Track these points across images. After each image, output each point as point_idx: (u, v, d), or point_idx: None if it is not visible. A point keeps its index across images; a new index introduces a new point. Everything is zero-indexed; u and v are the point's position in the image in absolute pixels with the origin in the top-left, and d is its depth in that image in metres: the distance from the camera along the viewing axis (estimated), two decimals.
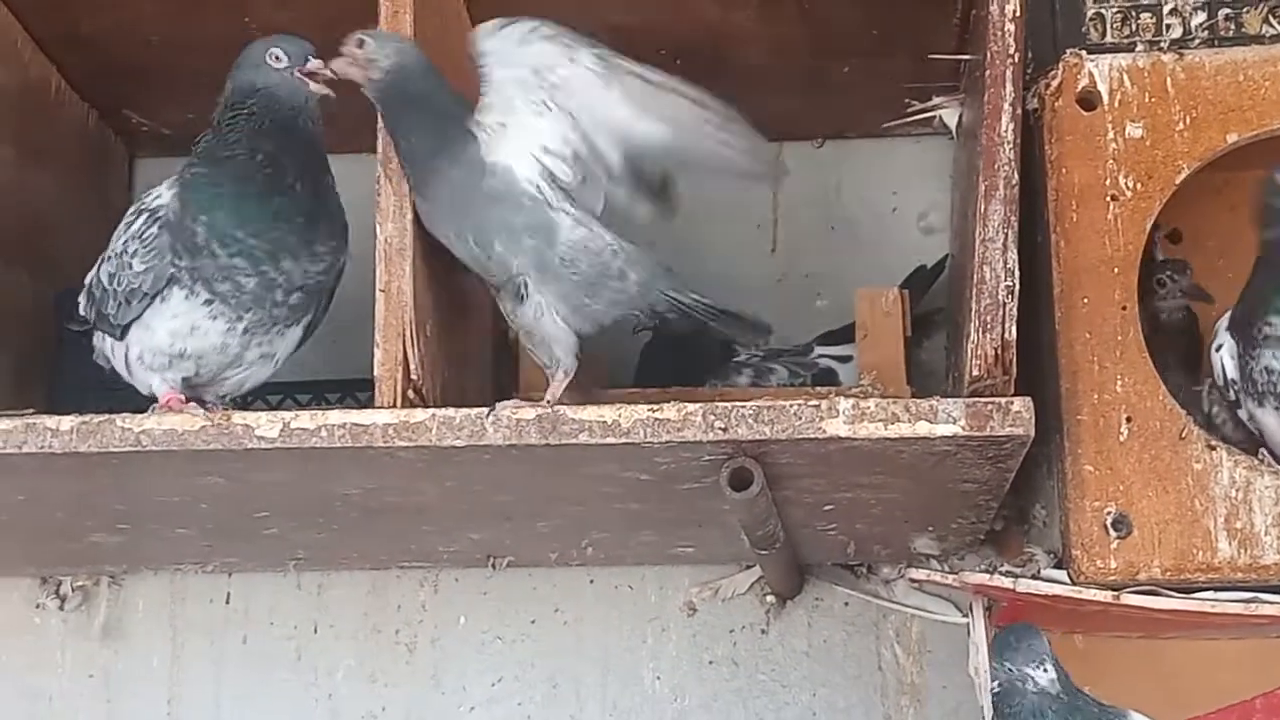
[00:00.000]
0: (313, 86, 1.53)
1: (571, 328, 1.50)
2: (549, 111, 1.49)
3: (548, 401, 1.46)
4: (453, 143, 1.49)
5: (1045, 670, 1.41)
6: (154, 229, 1.52)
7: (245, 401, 1.70)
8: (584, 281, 1.49)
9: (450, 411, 1.41)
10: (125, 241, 1.54)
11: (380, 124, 1.51)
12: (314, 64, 1.53)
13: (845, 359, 1.84)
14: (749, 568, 1.86)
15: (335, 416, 1.42)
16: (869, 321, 1.74)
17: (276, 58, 1.54)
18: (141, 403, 1.55)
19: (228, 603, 1.92)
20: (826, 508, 1.60)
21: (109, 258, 1.56)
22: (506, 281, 1.50)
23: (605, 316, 1.52)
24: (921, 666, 1.84)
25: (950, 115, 1.78)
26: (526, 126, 1.49)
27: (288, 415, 1.42)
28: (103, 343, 1.60)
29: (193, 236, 1.50)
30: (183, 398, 1.53)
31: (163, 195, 1.54)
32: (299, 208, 1.52)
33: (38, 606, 1.92)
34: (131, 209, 1.56)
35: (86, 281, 1.60)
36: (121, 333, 1.56)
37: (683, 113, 1.50)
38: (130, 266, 1.53)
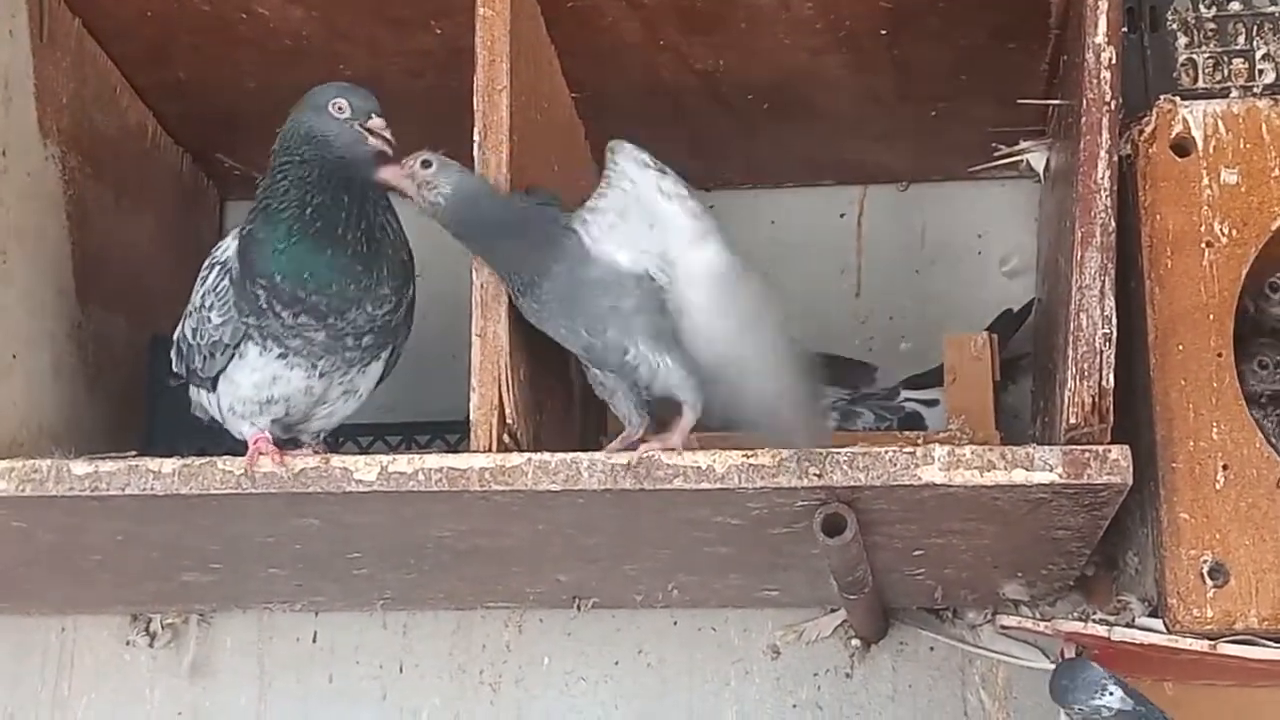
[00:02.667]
0: (371, 140, 1.52)
1: (690, 372, 1.49)
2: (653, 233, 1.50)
3: (679, 436, 1.46)
4: (554, 246, 1.49)
5: (1112, 693, 1.41)
6: (225, 282, 1.53)
7: (336, 443, 1.72)
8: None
9: (546, 456, 1.43)
10: (203, 295, 1.56)
11: (476, 169, 1.52)
12: (377, 122, 1.52)
13: (931, 403, 1.83)
14: (833, 611, 1.85)
15: (432, 461, 1.43)
16: (958, 365, 1.73)
17: (339, 108, 1.53)
18: (236, 445, 1.57)
19: (314, 641, 1.94)
20: (916, 553, 1.60)
21: (190, 312, 1.58)
22: (620, 365, 1.51)
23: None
24: (1008, 713, 1.83)
25: (1037, 159, 1.78)
26: (635, 234, 1.50)
27: (385, 459, 1.43)
28: (199, 395, 1.63)
29: (255, 300, 1.50)
30: (269, 437, 1.53)
31: (229, 248, 1.55)
32: (356, 256, 1.51)
33: (128, 644, 1.95)
34: (207, 261, 1.58)
35: (175, 337, 1.62)
36: (212, 384, 1.58)
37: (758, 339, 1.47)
38: (209, 320, 1.54)
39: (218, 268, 1.55)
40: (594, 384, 1.58)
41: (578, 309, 1.49)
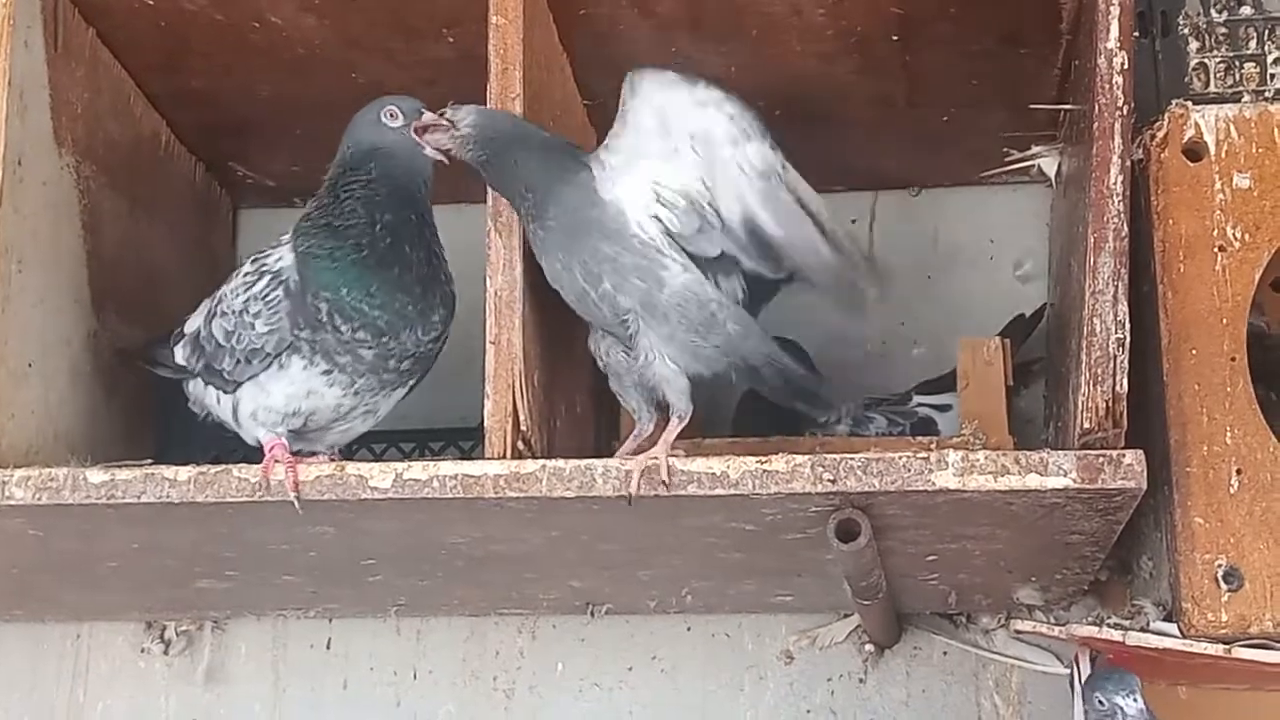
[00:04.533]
0: (428, 150, 1.54)
1: (682, 369, 1.50)
2: (683, 155, 1.50)
3: (662, 447, 1.45)
4: (567, 172, 1.50)
5: (1135, 700, 1.43)
6: (278, 293, 1.54)
7: (350, 450, 1.72)
8: (691, 326, 1.50)
9: (560, 463, 1.43)
10: (247, 301, 1.55)
11: (488, 190, 1.53)
12: (427, 116, 1.54)
13: (944, 408, 1.83)
14: (847, 616, 1.85)
15: (447, 468, 1.43)
16: (970, 370, 1.73)
17: (392, 114, 1.56)
18: (251, 452, 1.57)
19: (329, 648, 1.94)
20: (930, 558, 1.60)
21: (226, 314, 1.57)
22: (616, 323, 1.50)
23: (714, 362, 1.52)
24: (1022, 717, 1.83)
25: (1049, 164, 1.78)
26: (650, 170, 1.50)
27: (400, 466, 1.44)
28: (203, 392, 1.63)
29: (315, 314, 1.51)
30: (285, 444, 1.54)
31: (284, 259, 1.55)
32: (417, 277, 1.53)
33: (143, 651, 1.96)
34: (250, 266, 1.58)
35: (188, 331, 1.62)
36: (235, 387, 1.58)
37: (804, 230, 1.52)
38: (253, 327, 1.54)
39: (269, 276, 1.55)
40: (609, 374, 1.57)
41: (577, 246, 1.49)
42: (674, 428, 1.49)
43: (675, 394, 1.50)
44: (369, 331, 1.51)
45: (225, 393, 1.59)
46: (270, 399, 1.56)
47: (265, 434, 1.56)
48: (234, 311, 1.56)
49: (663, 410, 1.55)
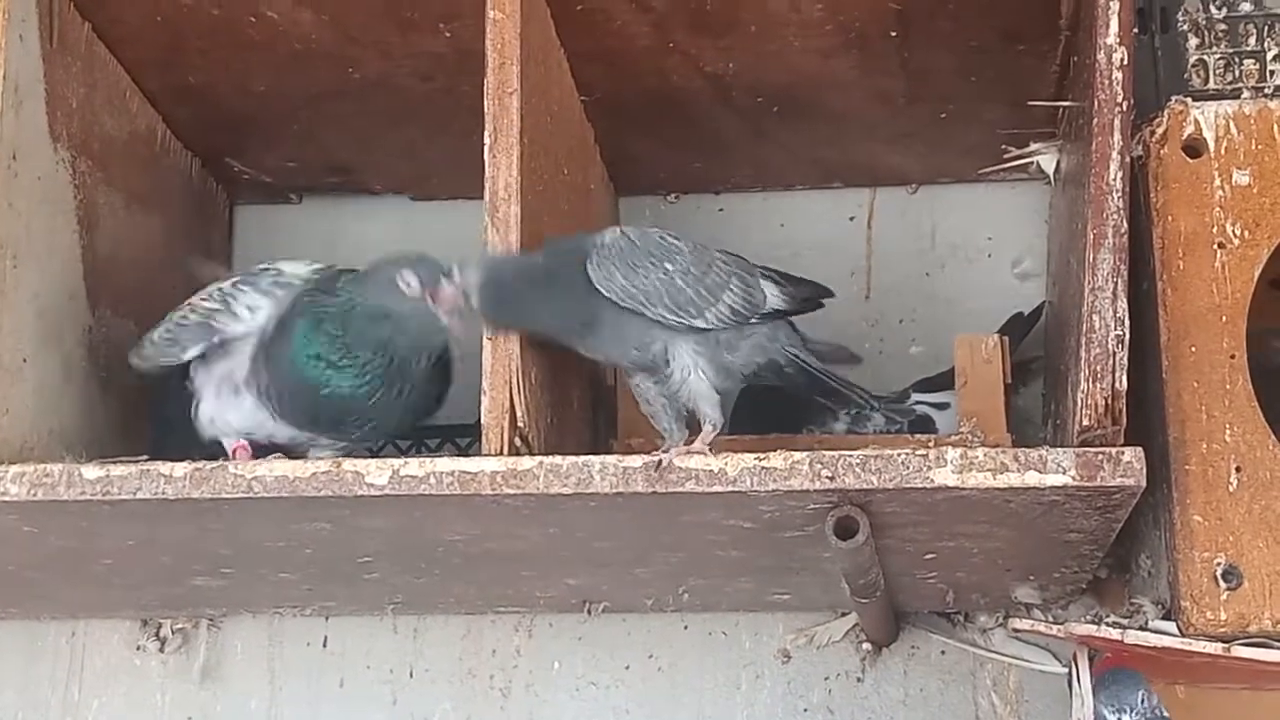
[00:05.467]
0: (445, 320, 1.50)
1: (715, 385, 1.52)
2: None
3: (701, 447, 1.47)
4: (576, 278, 1.50)
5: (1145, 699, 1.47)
6: (272, 285, 1.58)
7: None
8: (724, 343, 1.53)
9: (558, 459, 1.42)
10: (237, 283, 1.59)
11: (487, 172, 1.52)
12: (446, 293, 1.49)
13: (942, 406, 1.83)
14: (844, 615, 1.85)
15: (444, 464, 1.42)
16: (969, 368, 1.73)
17: (407, 284, 1.51)
18: None
19: (325, 646, 1.94)
20: (928, 556, 1.60)
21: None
22: (650, 362, 1.52)
23: (744, 369, 1.56)
24: (1020, 717, 1.82)
25: (1048, 161, 1.78)
26: None
27: (397, 463, 1.43)
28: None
29: (266, 391, 1.56)
30: (248, 446, 1.58)
31: (300, 271, 1.60)
32: (382, 414, 1.56)
33: (138, 648, 1.95)
34: (253, 270, 1.61)
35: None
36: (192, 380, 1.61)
37: None
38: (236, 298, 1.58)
39: (273, 272, 1.59)
40: (638, 399, 1.59)
41: (626, 333, 1.51)
42: (709, 433, 1.50)
43: (709, 406, 1.52)
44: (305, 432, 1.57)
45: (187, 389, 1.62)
46: (227, 414, 1.59)
47: (226, 440, 1.60)
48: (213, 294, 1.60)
49: (692, 427, 1.56)
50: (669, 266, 1.51)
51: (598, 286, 1.49)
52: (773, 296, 1.58)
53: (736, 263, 1.59)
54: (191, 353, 1.58)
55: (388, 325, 1.52)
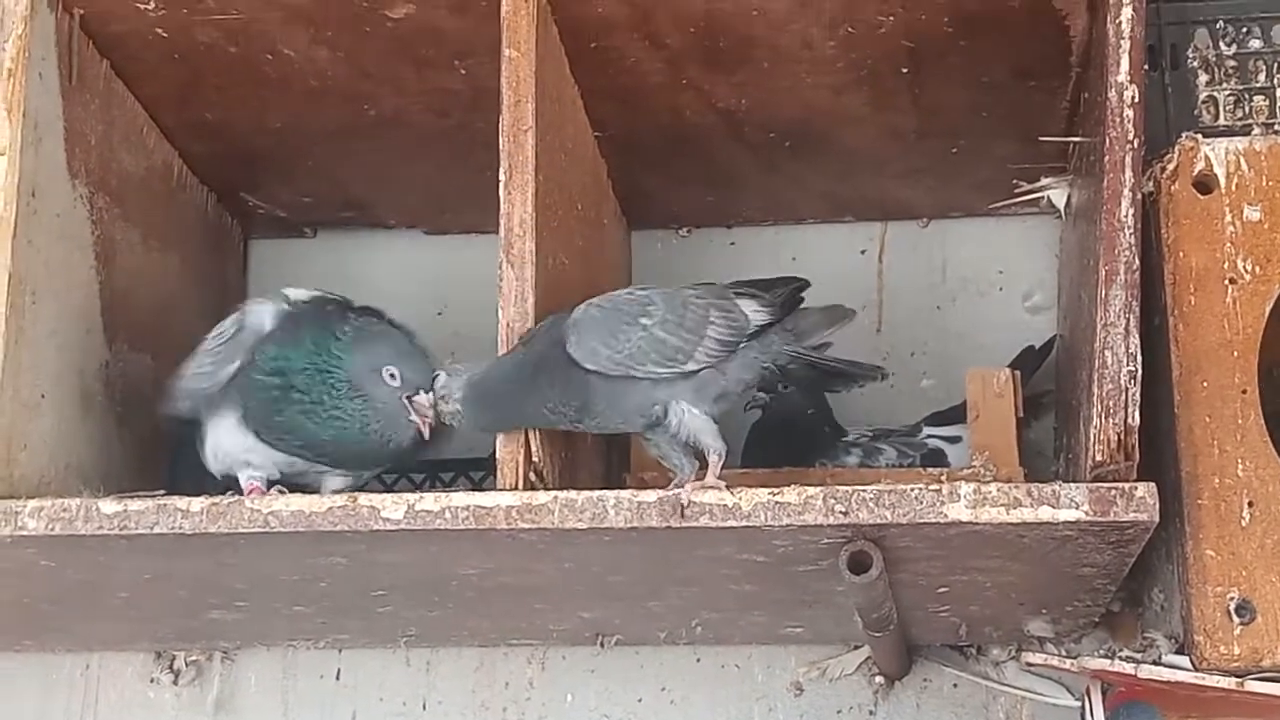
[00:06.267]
0: (413, 416, 1.53)
1: (711, 415, 1.52)
2: None
3: (713, 479, 1.47)
4: (559, 364, 1.49)
5: None
6: (231, 330, 1.59)
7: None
8: (716, 371, 1.53)
9: (572, 494, 1.43)
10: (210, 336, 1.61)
11: (502, 208, 1.53)
12: (421, 401, 1.52)
13: (954, 439, 1.83)
14: (857, 648, 1.85)
15: (459, 499, 1.43)
16: (980, 402, 1.73)
17: (392, 375, 1.54)
18: None
19: (338, 678, 1.94)
20: (941, 590, 1.60)
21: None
22: (655, 421, 1.52)
23: (735, 388, 1.56)
24: None
25: (1059, 196, 1.79)
26: None
27: (412, 497, 1.44)
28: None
29: (245, 417, 1.57)
30: (262, 488, 1.58)
31: (266, 318, 1.60)
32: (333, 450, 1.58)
33: (152, 681, 1.95)
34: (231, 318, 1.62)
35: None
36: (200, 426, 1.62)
37: None
38: (204, 364, 1.60)
39: (238, 316, 1.60)
40: (645, 445, 1.59)
41: (622, 405, 1.51)
42: (716, 464, 1.50)
43: (709, 436, 1.51)
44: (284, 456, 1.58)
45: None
46: (221, 441, 1.60)
47: (242, 477, 1.60)
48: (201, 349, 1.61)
49: (700, 456, 1.56)
50: (646, 322, 1.51)
51: (583, 364, 1.49)
52: (754, 314, 1.57)
53: (710, 292, 1.58)
54: (227, 370, 1.58)
55: (361, 403, 1.55)
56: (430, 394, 1.52)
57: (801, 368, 1.61)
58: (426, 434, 1.53)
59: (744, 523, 1.40)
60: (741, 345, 1.55)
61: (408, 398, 1.53)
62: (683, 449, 1.54)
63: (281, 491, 1.56)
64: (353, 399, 1.55)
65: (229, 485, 1.62)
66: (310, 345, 1.56)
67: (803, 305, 1.64)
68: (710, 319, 1.54)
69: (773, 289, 1.61)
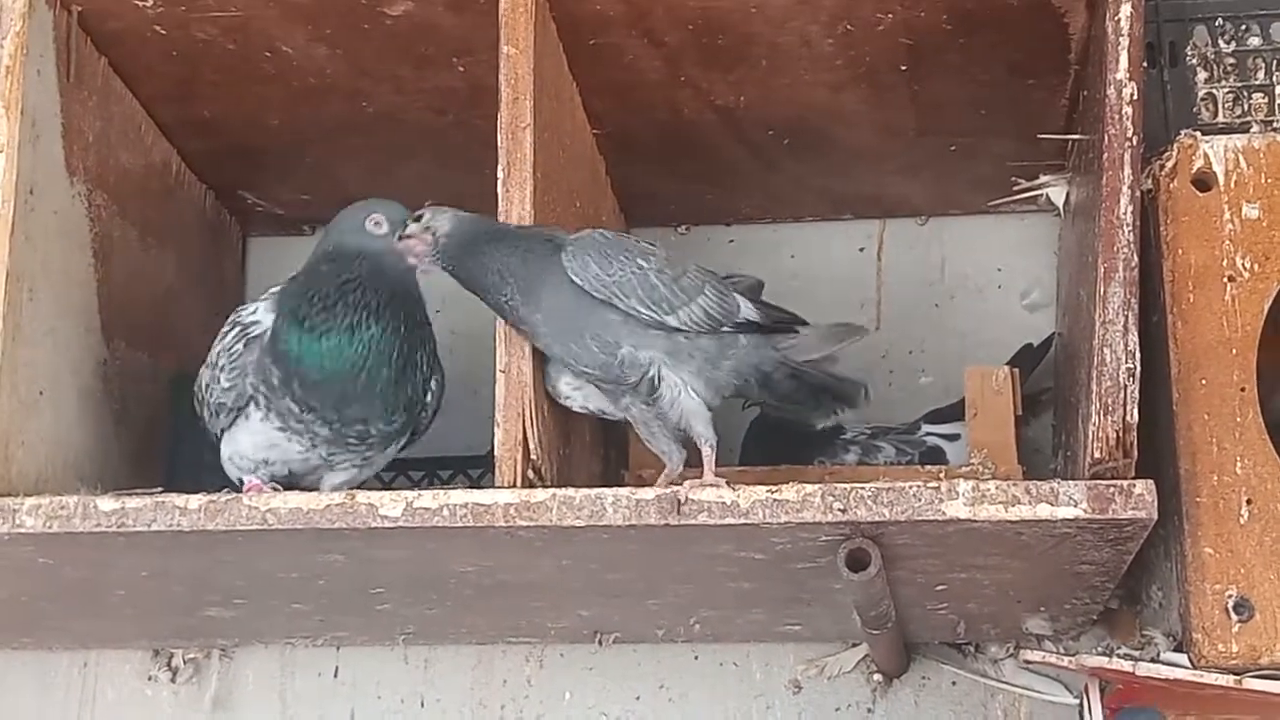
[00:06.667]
0: (411, 261, 1.53)
1: (705, 400, 1.52)
2: None
3: (711, 475, 1.47)
4: (545, 253, 1.50)
5: None
6: (240, 345, 1.56)
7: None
8: (708, 356, 1.52)
9: (570, 491, 1.43)
10: (218, 353, 1.58)
11: (500, 206, 1.53)
12: (413, 228, 1.53)
13: (953, 437, 1.83)
14: (855, 645, 1.85)
15: (457, 496, 1.43)
16: (979, 400, 1.73)
17: (376, 223, 1.55)
18: None
19: (336, 676, 1.94)
20: (939, 588, 1.60)
21: (207, 364, 1.60)
22: (639, 380, 1.52)
23: (728, 384, 1.55)
24: None
25: (1057, 193, 1.78)
26: None
27: (411, 495, 1.44)
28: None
29: (270, 376, 1.53)
30: (261, 486, 1.58)
31: (260, 317, 1.57)
32: (386, 378, 1.54)
33: (149, 679, 1.95)
34: (232, 317, 1.60)
35: (195, 388, 1.65)
36: (219, 436, 1.61)
37: None
38: (219, 381, 1.57)
39: (239, 329, 1.57)
40: (635, 425, 1.59)
41: (582, 323, 1.49)
42: (710, 456, 1.50)
43: (702, 424, 1.52)
44: (320, 420, 1.54)
45: (216, 439, 1.63)
46: (239, 445, 1.59)
47: (247, 477, 1.59)
48: (210, 364, 1.59)
49: (690, 446, 1.56)
50: (643, 263, 1.51)
51: (572, 276, 1.49)
52: (746, 307, 1.57)
53: (711, 275, 1.58)
54: (249, 381, 1.56)
55: (357, 264, 1.54)
56: (416, 225, 1.53)
57: (786, 378, 1.60)
58: (423, 266, 1.53)
59: (742, 520, 1.40)
60: (726, 330, 1.54)
61: (399, 238, 1.53)
62: (671, 433, 1.54)
63: (276, 489, 1.55)
64: (358, 264, 1.53)
65: (228, 483, 1.62)
66: (306, 290, 1.55)
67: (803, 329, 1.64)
68: (704, 291, 1.54)
69: (771, 310, 1.61)
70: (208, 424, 1.62)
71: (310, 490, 1.57)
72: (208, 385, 1.59)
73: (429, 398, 1.60)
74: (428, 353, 1.59)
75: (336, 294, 1.54)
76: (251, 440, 1.58)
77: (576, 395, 1.56)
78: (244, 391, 1.55)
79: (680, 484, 1.44)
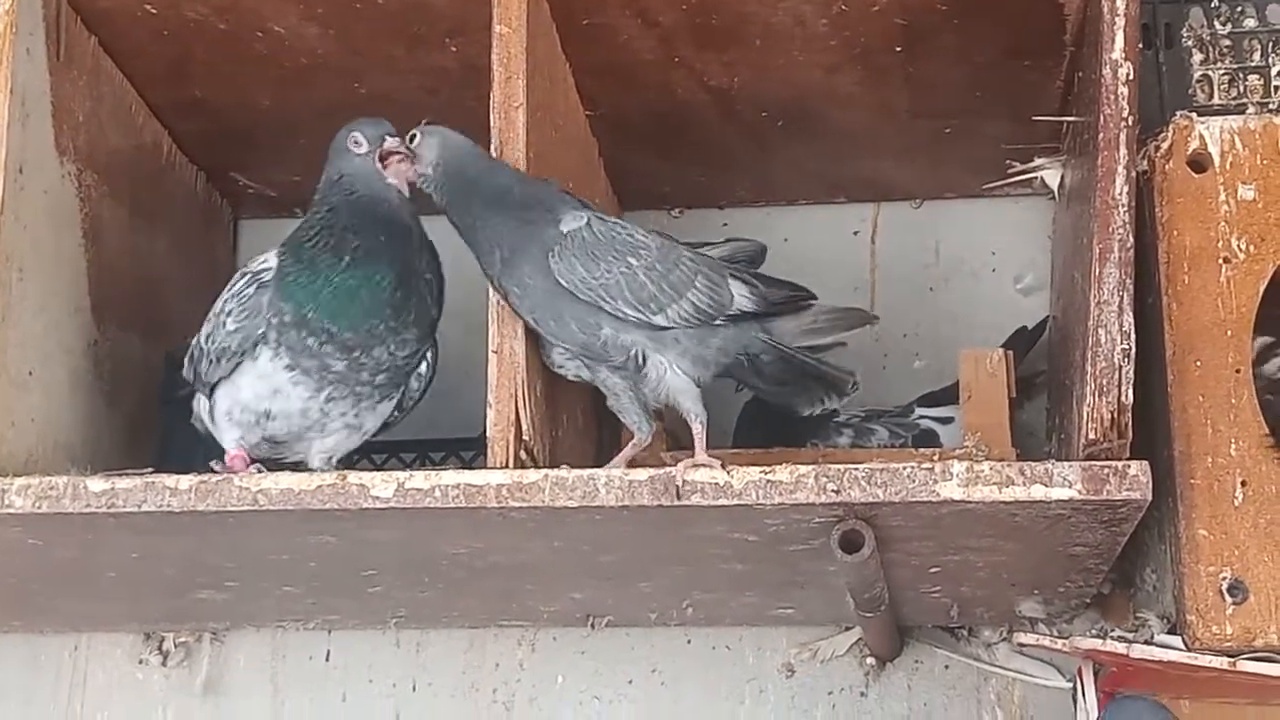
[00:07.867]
0: (389, 179, 1.52)
1: (693, 378, 1.52)
2: None
3: (702, 453, 1.46)
4: (538, 225, 1.49)
5: None
6: (252, 289, 1.55)
7: (351, 461, 1.71)
8: (695, 337, 1.52)
9: (563, 472, 1.42)
10: (225, 300, 1.57)
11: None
12: (390, 143, 1.52)
13: (946, 420, 1.83)
14: (848, 629, 1.85)
15: (449, 477, 1.43)
16: (973, 383, 1.73)
17: (356, 142, 1.54)
18: None
19: (328, 660, 1.93)
20: (933, 570, 1.60)
21: (210, 318, 1.59)
22: (623, 360, 1.51)
23: (716, 361, 1.54)
24: None
25: (1052, 176, 1.78)
26: None
27: (402, 475, 1.43)
28: (198, 404, 1.64)
29: (282, 315, 1.52)
30: (248, 458, 1.56)
31: (269, 261, 1.56)
32: (390, 299, 1.52)
33: (141, 662, 1.94)
34: (239, 272, 1.59)
35: (191, 345, 1.63)
36: (210, 390, 1.59)
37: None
38: (224, 325, 1.55)
39: (249, 276, 1.56)
40: (605, 393, 1.58)
41: (567, 302, 1.49)
42: (700, 433, 1.49)
43: (690, 400, 1.51)
44: (337, 348, 1.52)
45: (207, 397, 1.60)
46: (240, 393, 1.56)
47: (233, 440, 1.57)
48: (215, 313, 1.58)
49: (662, 419, 1.55)
50: (632, 261, 1.50)
51: (558, 278, 1.48)
52: (740, 298, 1.56)
53: (705, 262, 1.56)
54: (260, 320, 1.54)
55: (341, 185, 1.53)
56: (394, 140, 1.51)
57: (774, 360, 1.59)
58: (405, 189, 1.51)
59: (735, 501, 1.40)
60: (717, 323, 1.54)
61: (379, 155, 1.52)
62: (642, 406, 1.54)
63: (260, 469, 1.54)
64: (340, 185, 1.53)
65: (217, 455, 1.61)
66: (305, 222, 1.54)
67: (811, 304, 1.63)
68: (695, 283, 1.53)
69: (775, 286, 1.60)
70: (204, 376, 1.59)
71: (298, 466, 1.57)
72: (209, 335, 1.57)
73: (437, 314, 1.59)
74: (433, 275, 1.57)
75: (321, 220, 1.53)
76: (254, 389, 1.55)
77: (570, 365, 1.55)
78: (251, 333, 1.53)
79: (648, 456, 1.43)
